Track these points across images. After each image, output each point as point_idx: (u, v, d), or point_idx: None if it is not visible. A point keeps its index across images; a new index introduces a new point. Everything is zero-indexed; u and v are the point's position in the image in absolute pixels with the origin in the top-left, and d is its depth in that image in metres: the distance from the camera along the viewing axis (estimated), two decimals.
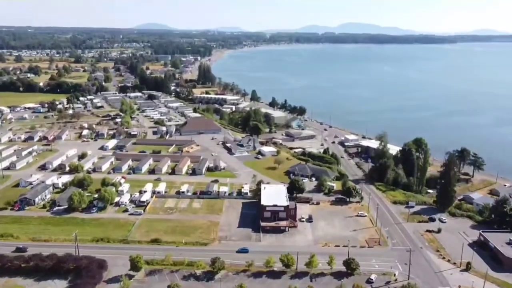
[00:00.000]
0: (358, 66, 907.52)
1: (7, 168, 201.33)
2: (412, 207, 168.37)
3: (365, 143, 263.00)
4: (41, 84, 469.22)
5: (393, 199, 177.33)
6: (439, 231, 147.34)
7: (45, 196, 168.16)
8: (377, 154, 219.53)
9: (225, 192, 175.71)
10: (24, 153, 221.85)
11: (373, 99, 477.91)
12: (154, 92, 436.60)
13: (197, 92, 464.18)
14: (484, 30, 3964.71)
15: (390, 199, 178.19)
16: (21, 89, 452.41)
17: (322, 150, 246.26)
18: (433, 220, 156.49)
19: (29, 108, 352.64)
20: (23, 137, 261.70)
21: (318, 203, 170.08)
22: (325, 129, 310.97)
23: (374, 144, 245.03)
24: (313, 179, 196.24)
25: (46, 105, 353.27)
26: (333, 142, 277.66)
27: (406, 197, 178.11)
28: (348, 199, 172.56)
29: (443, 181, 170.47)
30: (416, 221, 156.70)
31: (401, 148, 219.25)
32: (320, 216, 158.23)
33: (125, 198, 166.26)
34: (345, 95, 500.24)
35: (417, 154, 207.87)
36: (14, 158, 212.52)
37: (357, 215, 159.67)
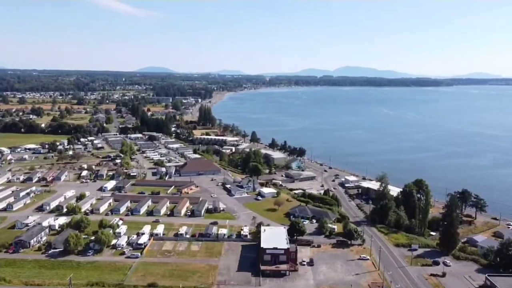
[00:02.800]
0: (356, 108, 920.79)
1: (4, 210, 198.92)
2: (415, 250, 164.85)
3: (365, 184, 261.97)
4: (42, 125, 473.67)
5: (395, 242, 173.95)
6: (443, 275, 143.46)
7: (41, 238, 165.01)
8: (378, 196, 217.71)
9: (224, 235, 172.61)
10: (22, 194, 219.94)
11: (372, 140, 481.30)
12: (154, 133, 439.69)
13: (198, 133, 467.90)
14: (478, 73, 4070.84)
15: (393, 241, 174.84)
16: (22, 130, 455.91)
17: (322, 192, 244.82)
18: (437, 263, 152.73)
19: (29, 149, 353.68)
20: (22, 177, 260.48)
21: (319, 246, 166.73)
22: (325, 170, 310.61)
23: (374, 185, 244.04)
24: (314, 221, 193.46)
25: (47, 146, 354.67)
26: (333, 181, 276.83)
27: (409, 240, 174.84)
28: (349, 242, 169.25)
29: (445, 223, 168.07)
30: (419, 265, 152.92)
31: (401, 190, 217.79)
32: (321, 259, 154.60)
33: (122, 241, 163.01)
34: (344, 137, 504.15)
35: (418, 195, 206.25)
36: (11, 199, 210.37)
37: (359, 258, 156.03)
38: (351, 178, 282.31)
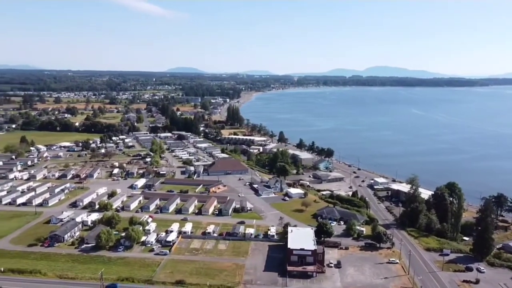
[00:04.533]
0: (386, 108, 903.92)
1: (40, 205, 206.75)
2: (447, 255, 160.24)
3: (395, 186, 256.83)
4: (77, 124, 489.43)
5: (426, 246, 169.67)
6: (477, 282, 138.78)
7: (74, 233, 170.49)
8: (408, 198, 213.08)
9: (251, 234, 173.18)
10: (57, 190, 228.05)
11: (402, 141, 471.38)
12: (183, 133, 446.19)
13: (225, 133, 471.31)
14: None
15: (423, 245, 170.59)
16: (58, 128, 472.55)
17: (350, 193, 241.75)
18: (470, 269, 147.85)
19: (64, 146, 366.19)
20: (57, 174, 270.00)
21: (346, 248, 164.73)
22: (355, 172, 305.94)
23: (404, 187, 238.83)
24: (342, 222, 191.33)
25: (80, 144, 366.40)
26: (363, 181, 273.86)
27: (440, 244, 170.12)
28: (378, 245, 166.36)
29: (479, 228, 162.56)
30: (451, 270, 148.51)
31: (433, 193, 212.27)
32: (349, 261, 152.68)
33: (152, 238, 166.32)
34: (373, 138, 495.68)
35: (451, 199, 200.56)
36: (47, 195, 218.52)
37: (388, 262, 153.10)
38: (380, 180, 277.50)
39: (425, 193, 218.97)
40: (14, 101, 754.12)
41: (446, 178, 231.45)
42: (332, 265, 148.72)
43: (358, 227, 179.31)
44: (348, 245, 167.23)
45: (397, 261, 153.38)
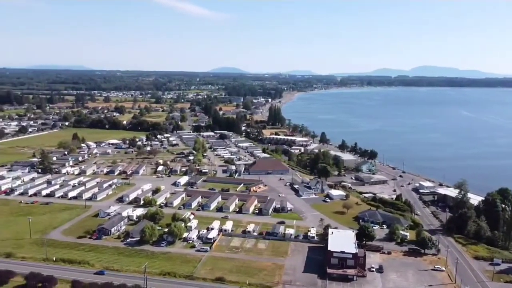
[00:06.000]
0: (433, 110, 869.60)
1: (90, 199, 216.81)
2: (498, 264, 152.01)
3: (442, 191, 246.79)
4: (124, 122, 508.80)
5: (474, 254, 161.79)
6: None
7: (120, 227, 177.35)
8: (456, 204, 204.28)
9: (291, 235, 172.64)
10: (105, 185, 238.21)
11: (450, 144, 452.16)
12: (225, 132, 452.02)
13: (267, 133, 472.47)
14: None
15: (472, 253, 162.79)
16: (107, 126, 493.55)
17: (394, 196, 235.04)
18: None
19: (112, 144, 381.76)
20: (105, 170, 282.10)
21: (389, 253, 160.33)
22: (401, 176, 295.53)
23: (452, 192, 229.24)
24: (384, 226, 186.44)
25: (127, 142, 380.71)
26: (409, 184, 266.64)
27: (491, 253, 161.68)
28: (423, 251, 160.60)
29: None
30: (503, 281, 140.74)
31: (483, 198, 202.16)
32: (392, 266, 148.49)
33: (193, 234, 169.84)
34: (420, 140, 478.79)
35: (503, 205, 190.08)
36: (96, 190, 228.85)
37: (433, 269, 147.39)
38: (426, 183, 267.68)
39: (475, 199, 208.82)
40: (68, 100, 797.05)
41: (497, 184, 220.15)
42: (374, 269, 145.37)
43: (401, 232, 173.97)
44: (390, 249, 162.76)
45: (443, 268, 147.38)
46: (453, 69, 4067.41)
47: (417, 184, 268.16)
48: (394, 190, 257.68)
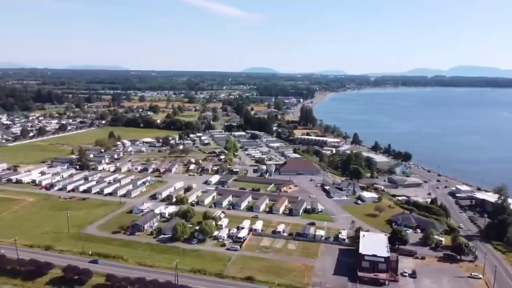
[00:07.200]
0: (472, 111, 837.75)
1: (124, 196, 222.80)
2: None
3: (480, 195, 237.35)
4: (158, 121, 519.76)
5: None
6: None
7: (153, 224, 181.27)
8: (495, 209, 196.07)
9: (321, 236, 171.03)
10: (139, 182, 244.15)
11: (489, 147, 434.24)
12: (256, 132, 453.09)
13: (298, 133, 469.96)
14: None
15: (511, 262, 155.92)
16: (141, 125, 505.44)
17: (429, 200, 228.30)
18: None
19: (146, 142, 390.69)
20: (139, 168, 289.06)
21: (423, 258, 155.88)
22: (438, 180, 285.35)
23: (491, 197, 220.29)
24: (418, 231, 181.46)
25: (161, 140, 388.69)
26: (445, 187, 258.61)
27: None
28: (459, 257, 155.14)
29: None
30: None
31: None
32: (425, 272, 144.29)
33: (224, 233, 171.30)
34: (457, 142, 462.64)
35: None
36: (130, 187, 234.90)
37: (470, 277, 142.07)
38: (463, 187, 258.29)
39: None
40: (105, 99, 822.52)
41: None
42: (407, 274, 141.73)
43: (436, 237, 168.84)
44: (424, 254, 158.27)
45: (480, 276, 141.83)
46: (494, 69, 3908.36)
47: (454, 188, 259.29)
48: (429, 194, 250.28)
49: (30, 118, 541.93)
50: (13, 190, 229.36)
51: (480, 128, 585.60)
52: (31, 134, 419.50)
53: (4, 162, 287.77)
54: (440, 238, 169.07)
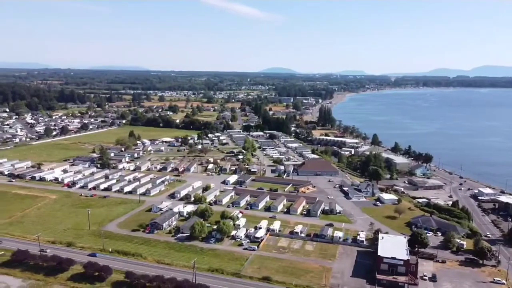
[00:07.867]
0: (495, 112, 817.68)
1: (143, 194, 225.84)
2: None
3: (504, 198, 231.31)
4: (177, 121, 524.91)
5: None
6: None
7: (172, 222, 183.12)
8: None
9: (339, 238, 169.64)
10: (158, 181, 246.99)
11: None
12: (275, 132, 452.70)
13: (317, 133, 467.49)
14: None
15: None
16: (161, 124, 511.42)
17: (450, 203, 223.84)
18: None
19: (165, 141, 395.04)
20: (158, 167, 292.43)
21: (443, 261, 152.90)
22: (461, 184, 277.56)
23: None
24: (439, 234, 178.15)
25: (180, 140, 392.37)
26: (469, 189, 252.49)
27: None
28: (481, 261, 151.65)
29: None
30: None
31: None
32: (446, 276, 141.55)
33: (241, 233, 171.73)
34: (479, 144, 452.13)
35: None
36: (149, 186, 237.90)
37: (493, 281, 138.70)
38: (486, 190, 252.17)
39: None
40: (125, 99, 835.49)
41: None
42: (426, 278, 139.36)
43: (457, 240, 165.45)
44: (445, 258, 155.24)
45: (504, 281, 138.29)
46: None
47: (476, 191, 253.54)
48: (450, 196, 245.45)
49: (54, 117, 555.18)
50: (36, 188, 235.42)
51: (504, 130, 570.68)
52: (54, 133, 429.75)
53: (29, 160, 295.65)
54: (462, 242, 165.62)
